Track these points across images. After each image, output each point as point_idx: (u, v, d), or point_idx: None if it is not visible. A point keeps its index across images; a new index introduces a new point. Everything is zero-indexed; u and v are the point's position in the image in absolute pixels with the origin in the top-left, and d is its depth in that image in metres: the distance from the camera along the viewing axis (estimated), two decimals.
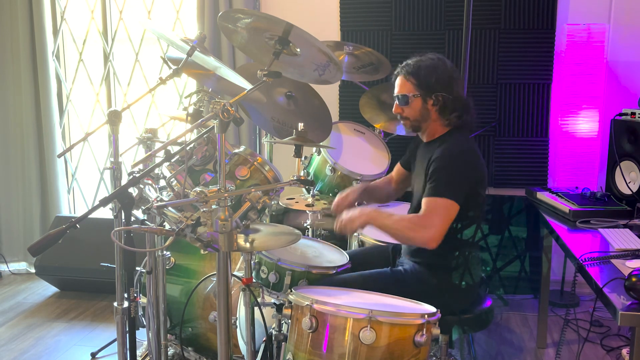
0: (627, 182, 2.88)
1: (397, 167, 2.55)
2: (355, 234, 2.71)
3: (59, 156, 4.16)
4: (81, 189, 4.42)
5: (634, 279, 1.74)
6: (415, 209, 2.28)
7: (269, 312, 2.19)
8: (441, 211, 2.02)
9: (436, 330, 1.81)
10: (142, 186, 2.12)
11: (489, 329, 3.19)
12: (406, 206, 2.57)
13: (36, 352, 3.12)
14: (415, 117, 2.22)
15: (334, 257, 2.35)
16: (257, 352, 2.24)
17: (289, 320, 1.86)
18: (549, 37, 3.58)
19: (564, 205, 2.72)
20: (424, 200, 2.06)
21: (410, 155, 2.45)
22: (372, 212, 2.09)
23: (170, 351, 2.72)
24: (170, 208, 1.89)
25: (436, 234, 1.99)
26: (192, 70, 2.44)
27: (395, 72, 2.25)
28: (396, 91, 2.24)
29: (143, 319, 2.71)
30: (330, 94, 3.57)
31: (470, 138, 2.23)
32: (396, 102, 2.25)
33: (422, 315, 1.76)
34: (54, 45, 4.12)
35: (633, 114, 2.89)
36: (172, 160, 2.18)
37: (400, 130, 3.26)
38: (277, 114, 2.91)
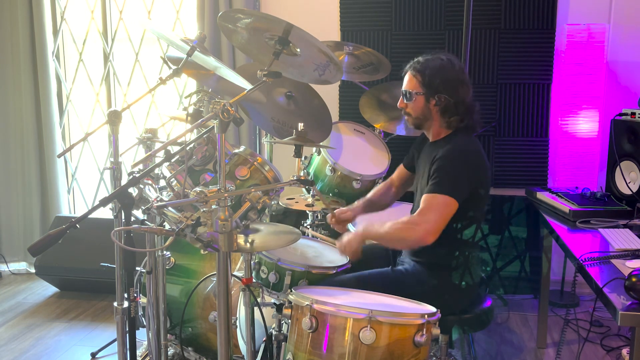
0: (627, 182, 2.88)
1: (400, 168, 2.55)
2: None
3: (59, 156, 4.16)
4: (81, 189, 4.42)
5: (634, 279, 1.74)
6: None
7: (269, 312, 2.19)
8: (438, 207, 2.03)
9: (436, 330, 1.81)
10: (142, 186, 2.12)
11: (489, 329, 3.19)
12: (407, 206, 2.56)
13: (36, 352, 3.12)
14: (417, 115, 2.25)
15: (334, 257, 2.35)
16: (257, 352, 2.24)
17: (289, 320, 1.86)
18: (549, 37, 3.58)
19: (564, 205, 2.72)
20: (422, 197, 2.08)
21: (413, 156, 2.45)
22: (363, 230, 2.15)
23: (170, 351, 2.72)
24: (170, 208, 1.89)
25: (431, 229, 1.99)
26: (192, 70, 2.43)
27: (405, 67, 2.28)
28: (403, 86, 2.27)
29: (143, 319, 2.71)
30: (330, 94, 3.57)
31: (475, 139, 2.24)
32: (402, 96, 2.28)
33: (422, 315, 1.76)
34: (54, 45, 4.12)
35: (633, 114, 2.89)
36: (172, 160, 2.18)
37: (400, 130, 3.27)
38: (277, 114, 2.91)
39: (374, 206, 2.55)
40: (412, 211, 2.35)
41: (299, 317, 1.80)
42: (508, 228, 3.77)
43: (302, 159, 3.05)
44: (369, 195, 2.57)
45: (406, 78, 2.27)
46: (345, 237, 2.18)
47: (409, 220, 2.06)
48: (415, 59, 2.25)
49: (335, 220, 2.45)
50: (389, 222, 2.09)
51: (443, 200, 2.04)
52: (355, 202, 2.53)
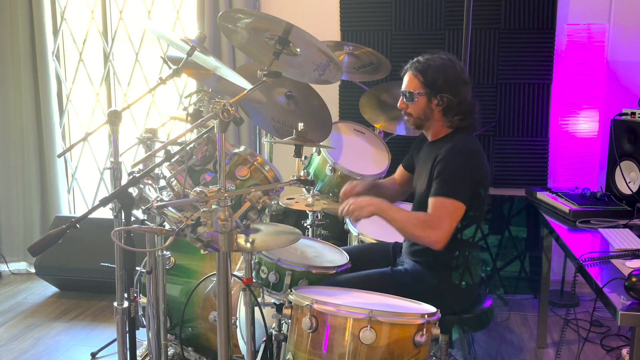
0: (627, 182, 2.88)
1: (399, 169, 2.55)
2: (355, 233, 2.71)
3: (59, 156, 4.16)
4: (81, 189, 4.42)
5: (634, 279, 1.74)
6: (417, 208, 2.29)
7: (269, 312, 2.19)
8: (449, 212, 2.04)
9: (436, 330, 1.81)
10: (142, 186, 2.12)
11: (489, 329, 3.19)
12: (407, 207, 2.56)
13: (36, 352, 3.12)
14: (418, 115, 2.24)
15: (334, 257, 2.35)
16: (257, 352, 2.24)
17: (289, 320, 1.86)
18: (549, 37, 3.58)
19: (564, 205, 2.72)
20: (431, 200, 2.08)
21: (412, 156, 2.45)
22: (382, 203, 2.10)
23: (170, 351, 2.72)
24: (170, 208, 1.89)
25: (444, 236, 2.02)
26: (192, 70, 2.43)
27: (405, 67, 2.26)
28: (403, 86, 2.26)
29: (143, 319, 2.71)
30: (330, 94, 3.56)
31: (474, 138, 2.24)
32: (402, 97, 2.26)
33: (422, 315, 1.76)
34: (54, 45, 4.12)
35: (633, 114, 2.89)
36: (172, 160, 2.18)
37: (400, 130, 3.27)
38: (277, 114, 2.91)
39: (380, 192, 2.50)
40: (413, 210, 2.35)
41: (299, 317, 1.80)
42: (508, 228, 3.77)
43: (302, 159, 3.04)
44: (380, 180, 2.57)
45: (406, 78, 2.25)
46: (359, 200, 2.11)
47: (424, 220, 2.05)
48: (415, 59, 2.23)
49: (346, 197, 2.39)
50: (405, 211, 2.11)
51: (452, 205, 2.04)
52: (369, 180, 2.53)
